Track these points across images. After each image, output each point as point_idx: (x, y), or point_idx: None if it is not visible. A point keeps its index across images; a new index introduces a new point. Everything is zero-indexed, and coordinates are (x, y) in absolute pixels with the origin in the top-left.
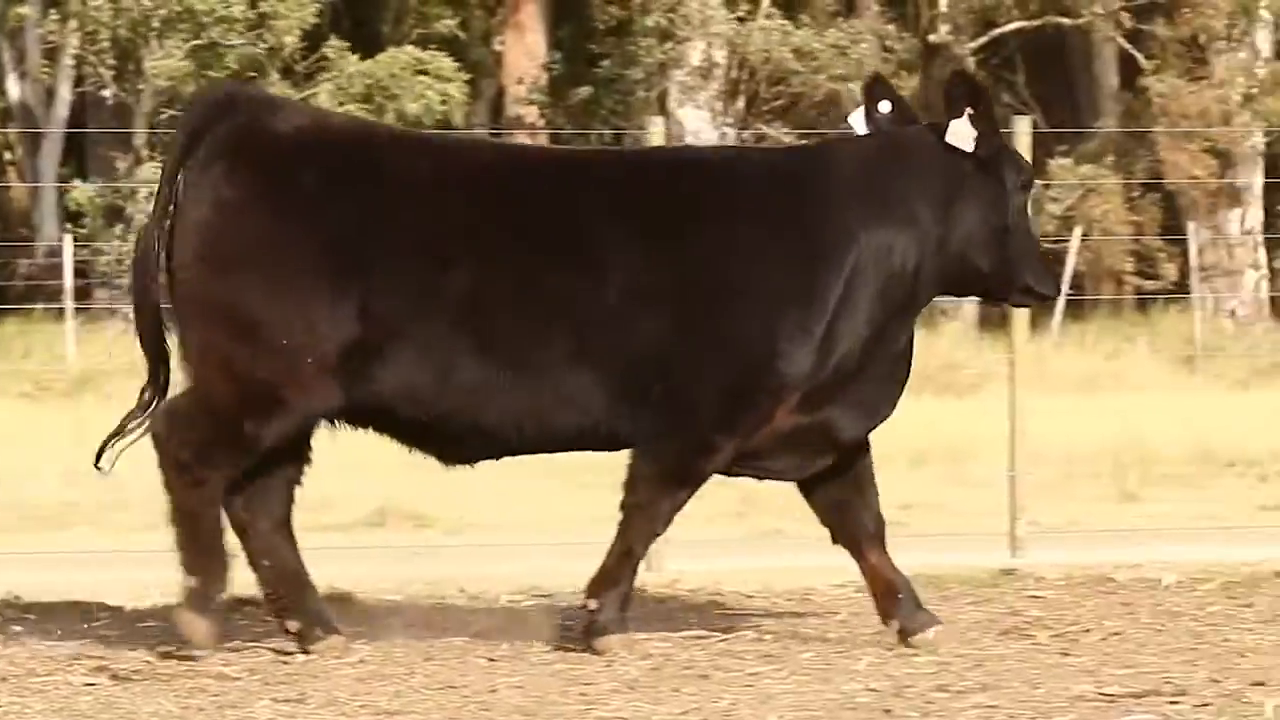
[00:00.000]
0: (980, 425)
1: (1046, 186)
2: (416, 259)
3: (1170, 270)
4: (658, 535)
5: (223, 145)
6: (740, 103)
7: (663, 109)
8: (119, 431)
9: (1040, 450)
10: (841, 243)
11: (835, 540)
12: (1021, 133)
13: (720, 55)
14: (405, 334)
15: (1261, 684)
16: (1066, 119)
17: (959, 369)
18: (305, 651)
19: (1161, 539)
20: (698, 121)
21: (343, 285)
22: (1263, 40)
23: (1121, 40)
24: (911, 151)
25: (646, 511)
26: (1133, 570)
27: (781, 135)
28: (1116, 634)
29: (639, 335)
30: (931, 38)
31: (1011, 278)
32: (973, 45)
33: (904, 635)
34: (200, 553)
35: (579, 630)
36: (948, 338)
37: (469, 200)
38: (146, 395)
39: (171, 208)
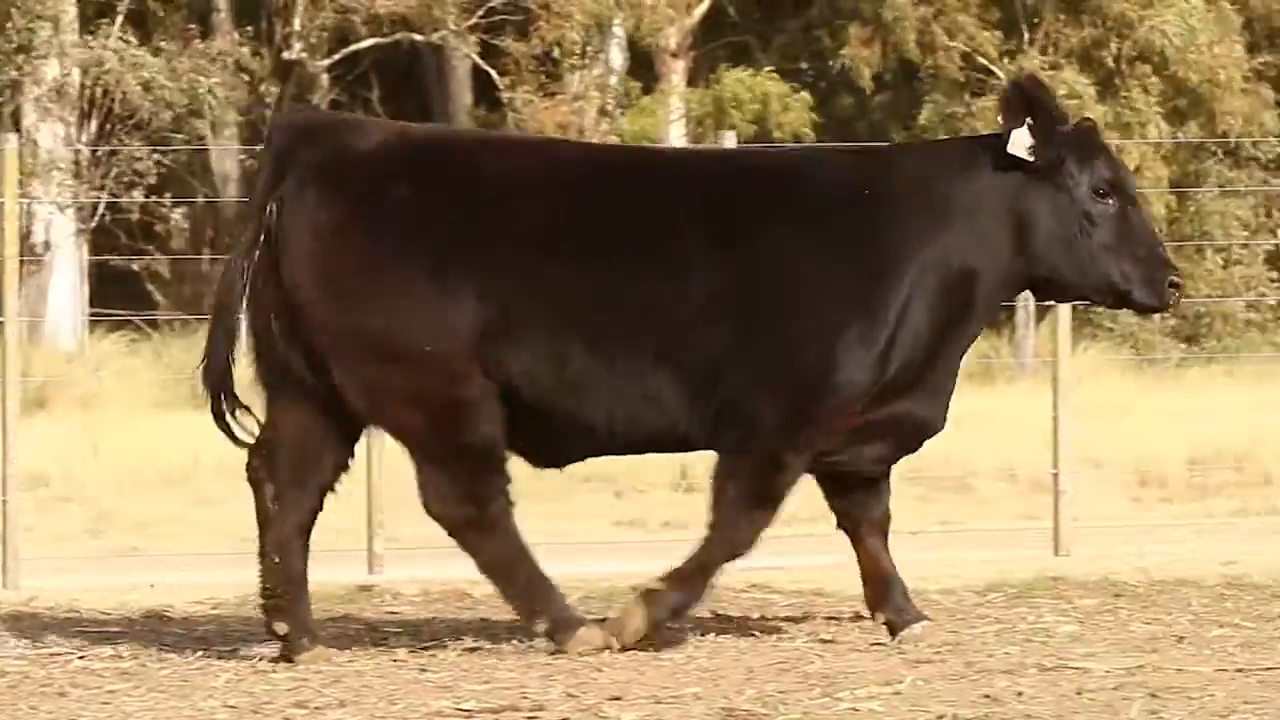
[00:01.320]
0: None
1: None
2: (517, 254)
3: None
4: (739, 557)
5: (313, 171)
6: (94, 122)
7: (17, 125)
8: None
9: (398, 465)
10: (903, 253)
11: (839, 525)
12: None
13: (75, 75)
14: (517, 324)
15: (618, 698)
16: None
17: None
18: (287, 658)
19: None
20: (51, 139)
21: (457, 281)
22: (616, 56)
23: (476, 57)
24: (969, 161)
25: (727, 534)
26: (487, 585)
27: (134, 149)
28: (474, 649)
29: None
30: (286, 55)
31: (1099, 284)
32: (326, 63)
33: (891, 629)
34: (532, 583)
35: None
36: None
37: (566, 197)
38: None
39: (263, 239)
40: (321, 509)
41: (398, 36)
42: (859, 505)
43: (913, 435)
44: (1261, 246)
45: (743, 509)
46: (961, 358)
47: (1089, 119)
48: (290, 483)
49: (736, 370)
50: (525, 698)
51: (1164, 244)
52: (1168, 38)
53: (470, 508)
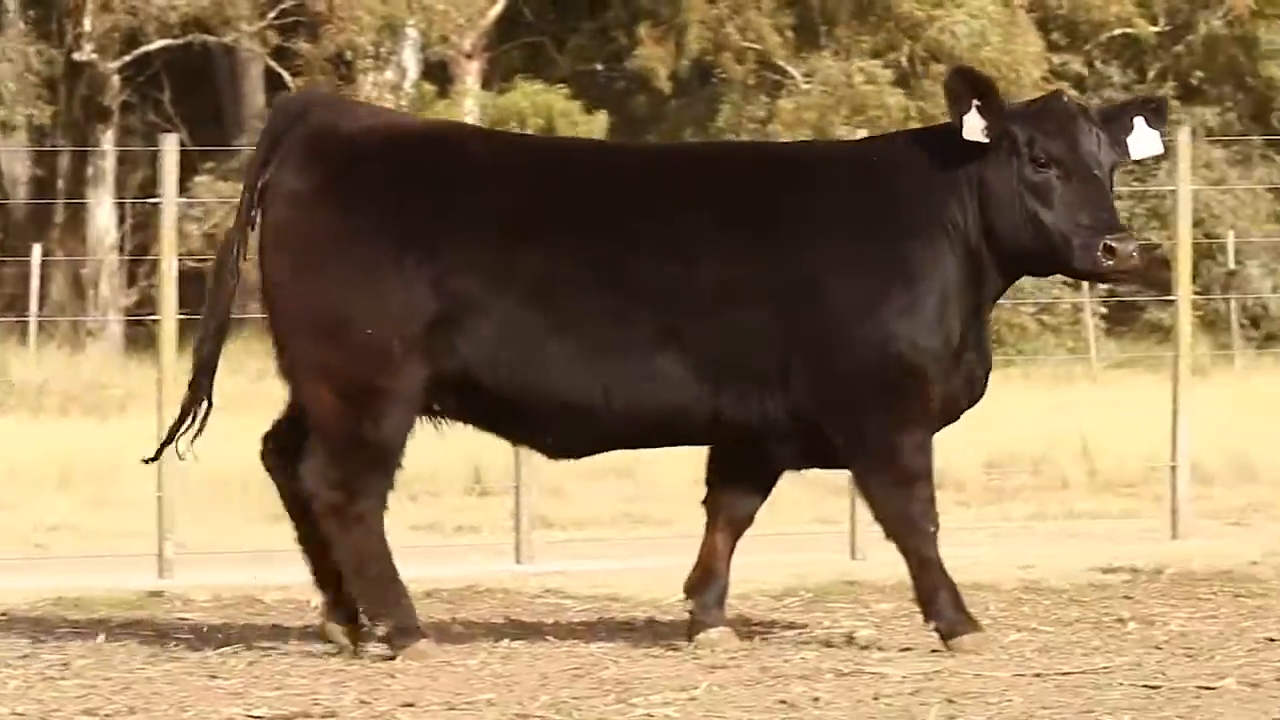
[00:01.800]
0: (126, 446)
1: (191, 205)
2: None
3: None
4: (934, 531)
5: (297, 144)
6: None
7: None
8: (170, 439)
9: (188, 470)
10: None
11: (703, 502)
12: (168, 150)
13: None
14: (480, 312)
15: (412, 705)
16: (214, 137)
17: (105, 389)
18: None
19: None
20: None
21: (415, 269)
22: (410, 60)
23: (268, 58)
24: (929, 149)
25: (905, 527)
26: (282, 591)
27: None
28: (265, 655)
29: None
30: (76, 56)
31: (1044, 252)
32: (117, 64)
33: (691, 627)
34: (383, 585)
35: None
36: (94, 358)
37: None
38: (186, 401)
39: (253, 214)
40: None
41: (190, 38)
42: (731, 496)
43: (953, 415)
44: None
45: (895, 503)
46: (985, 331)
47: (1057, 92)
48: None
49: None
50: (317, 704)
51: (1112, 211)
52: (957, 38)
53: (341, 495)
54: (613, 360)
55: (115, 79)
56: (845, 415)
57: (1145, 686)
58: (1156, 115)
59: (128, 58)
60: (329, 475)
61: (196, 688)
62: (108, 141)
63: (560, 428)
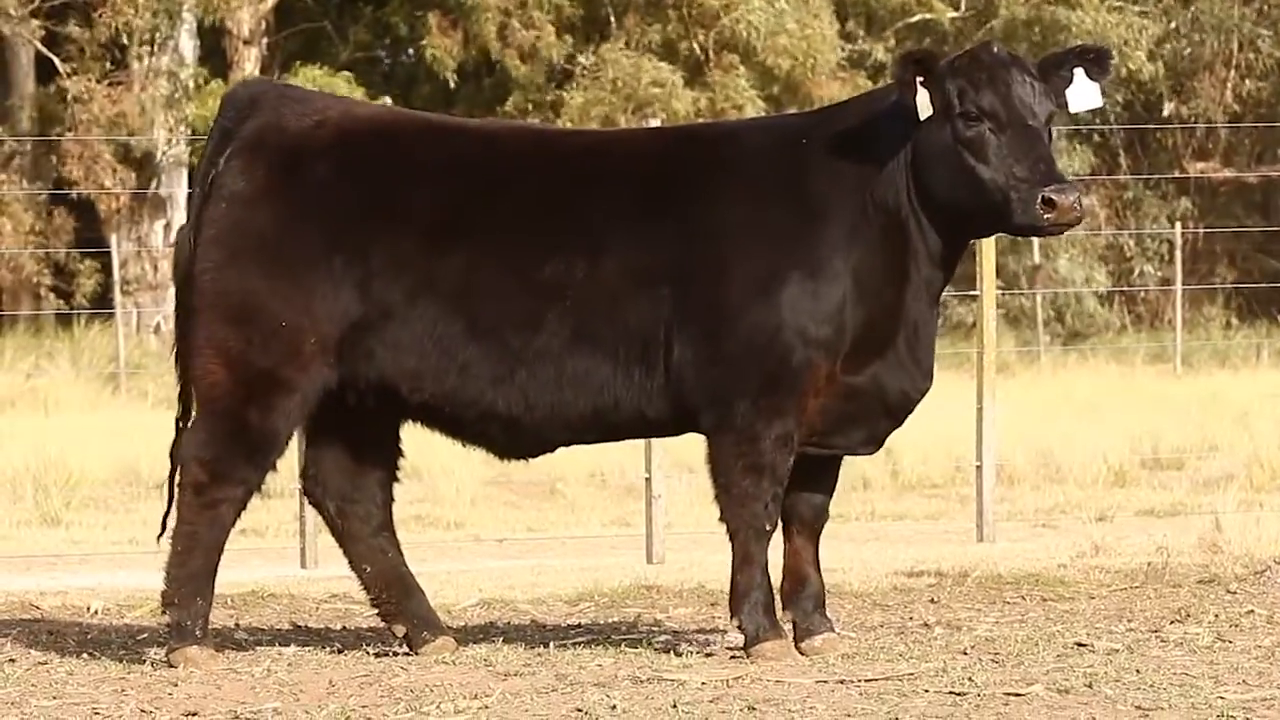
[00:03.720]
0: None
1: None
2: (410, 246)
3: (90, 284)
4: (769, 531)
5: (242, 142)
6: None
7: None
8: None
9: None
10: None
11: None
12: None
13: None
14: (402, 313)
15: (194, 714)
16: None
17: None
18: (415, 653)
19: (88, 564)
20: None
21: (343, 267)
22: (186, 44)
23: (38, 43)
24: (859, 122)
25: (742, 516)
26: (58, 597)
27: None
28: (43, 664)
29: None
30: None
31: (984, 209)
32: None
33: (797, 636)
34: (193, 578)
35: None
36: None
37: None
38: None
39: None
40: (393, 498)
41: None
42: (796, 496)
43: (899, 406)
44: None
45: (740, 487)
46: (932, 315)
47: (987, 42)
48: (349, 494)
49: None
50: (97, 713)
51: (1050, 161)
52: (753, 27)
53: (205, 475)
54: (531, 366)
55: None
56: (716, 397)
57: (951, 693)
58: (1097, 66)
59: None
60: (200, 453)
61: None
62: None
63: (492, 434)
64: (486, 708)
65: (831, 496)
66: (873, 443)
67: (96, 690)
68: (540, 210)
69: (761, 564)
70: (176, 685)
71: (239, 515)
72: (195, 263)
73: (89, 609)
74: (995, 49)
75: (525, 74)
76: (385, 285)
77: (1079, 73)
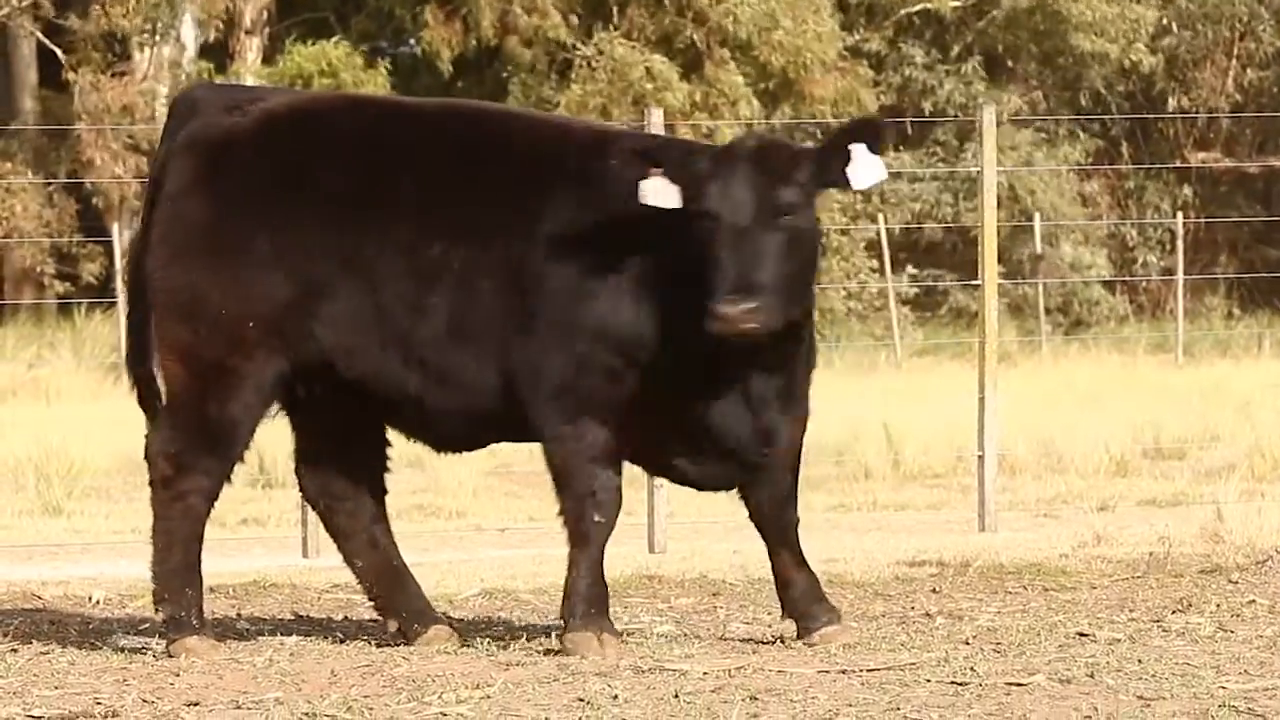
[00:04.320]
0: None
1: None
2: (330, 226)
3: (92, 272)
4: (600, 523)
5: (179, 143)
6: None
7: None
8: None
9: None
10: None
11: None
12: None
13: None
14: (328, 296)
15: (196, 703)
16: None
17: None
18: (411, 646)
19: (90, 554)
20: None
21: (273, 252)
22: (189, 35)
23: (40, 35)
24: None
25: (569, 516)
26: (60, 587)
27: None
28: (45, 653)
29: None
30: None
31: None
32: None
33: (798, 634)
34: (178, 572)
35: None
36: None
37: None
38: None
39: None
40: (385, 490)
41: None
42: (754, 508)
43: (749, 446)
44: (861, 234)
45: (559, 493)
46: (778, 382)
47: (751, 132)
48: (337, 490)
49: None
50: (99, 703)
51: (741, 268)
52: (741, 23)
53: (171, 468)
54: (425, 351)
55: None
56: (536, 396)
57: (953, 683)
58: (876, 139)
59: None
60: (166, 448)
61: None
62: None
63: (414, 421)
64: (489, 697)
65: (790, 499)
66: (723, 481)
67: (98, 680)
68: (434, 189)
69: (586, 566)
70: (178, 675)
71: (210, 506)
72: (147, 265)
73: (91, 599)
74: (752, 141)
75: (526, 60)
76: (308, 262)
77: (858, 150)
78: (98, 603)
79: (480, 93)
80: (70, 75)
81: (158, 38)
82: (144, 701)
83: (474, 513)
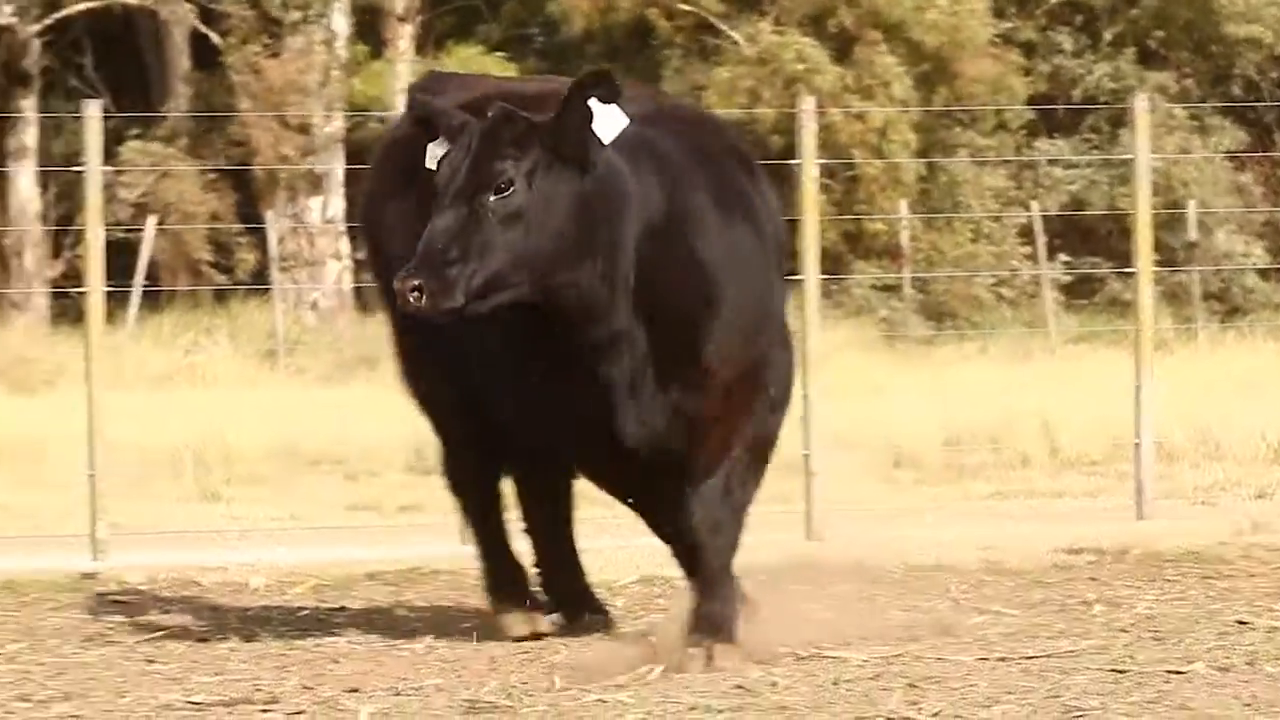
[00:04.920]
0: (55, 423)
1: (119, 172)
2: None
3: (249, 260)
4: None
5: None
6: None
7: None
8: None
9: (120, 449)
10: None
11: None
12: (91, 117)
13: None
14: None
15: (356, 690)
16: (139, 102)
17: (31, 363)
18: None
19: (248, 540)
20: None
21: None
22: (340, 21)
23: (196, 21)
24: None
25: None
26: (218, 573)
27: None
28: (204, 639)
29: None
30: None
31: None
32: (37, 28)
33: None
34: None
35: None
36: (19, 332)
37: None
38: None
39: None
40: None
41: (111, 2)
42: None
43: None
44: (1014, 220)
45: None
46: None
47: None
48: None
49: None
50: (259, 689)
51: (424, 244)
52: (896, 3)
53: None
54: None
55: (35, 43)
56: None
57: (1112, 670)
58: (603, 90)
59: (48, 21)
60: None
61: (134, 673)
62: (29, 108)
63: None
64: (648, 684)
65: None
66: (632, 496)
67: (258, 666)
68: None
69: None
70: (337, 662)
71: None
72: None
73: (249, 585)
74: (491, 112)
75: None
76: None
77: (595, 105)
78: (256, 589)
79: (631, 77)
80: (231, 57)
81: (309, 20)
82: (304, 688)
83: None
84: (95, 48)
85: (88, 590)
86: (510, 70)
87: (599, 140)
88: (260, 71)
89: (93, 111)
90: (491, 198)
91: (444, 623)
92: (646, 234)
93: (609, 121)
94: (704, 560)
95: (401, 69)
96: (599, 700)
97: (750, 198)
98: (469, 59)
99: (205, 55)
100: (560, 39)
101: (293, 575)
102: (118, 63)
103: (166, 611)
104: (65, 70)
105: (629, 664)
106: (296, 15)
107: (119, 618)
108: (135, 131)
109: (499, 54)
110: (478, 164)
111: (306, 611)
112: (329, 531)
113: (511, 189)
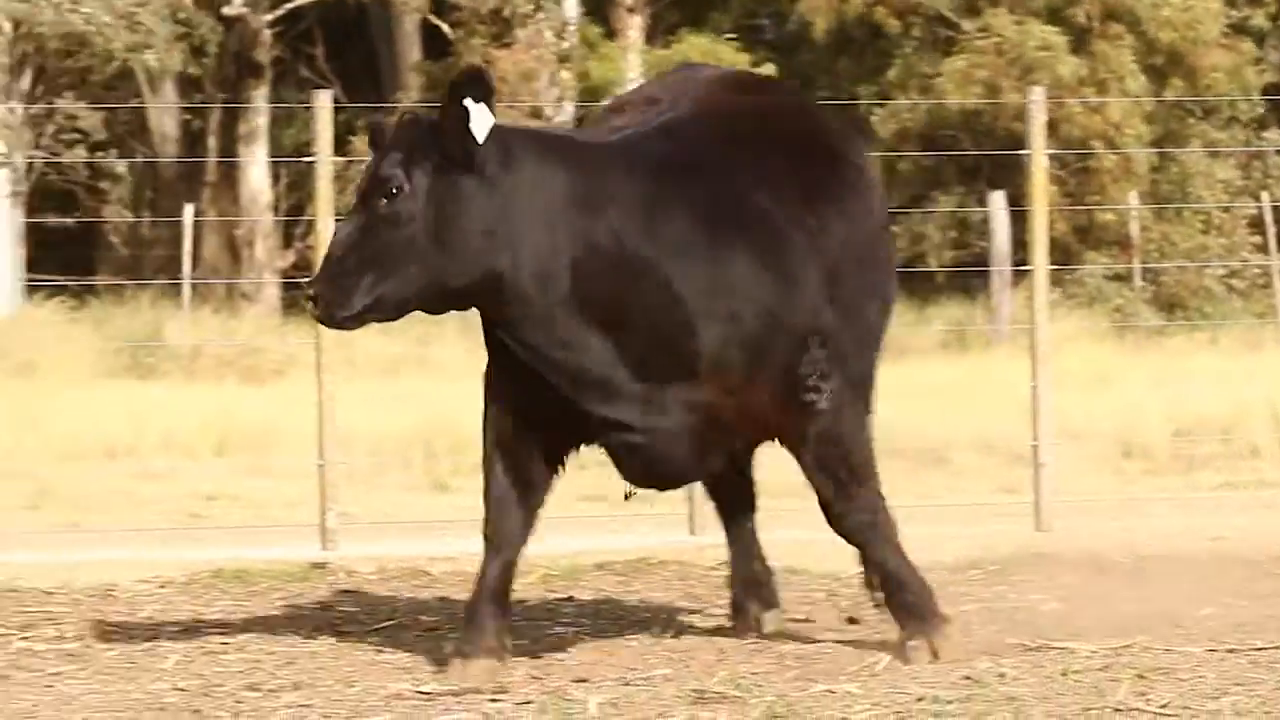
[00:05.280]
0: (285, 413)
1: (350, 163)
2: None
3: None
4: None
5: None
6: (26, 78)
7: None
8: None
9: (349, 438)
10: None
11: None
12: (322, 107)
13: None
14: None
15: (584, 680)
16: (369, 93)
17: (262, 354)
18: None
19: (476, 530)
20: None
21: None
22: (570, 11)
23: (426, 12)
24: None
25: None
26: (448, 563)
27: (76, 108)
28: (433, 629)
29: None
30: (226, 10)
31: None
32: (269, 17)
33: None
34: None
35: None
36: (249, 322)
37: None
38: None
39: None
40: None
41: None
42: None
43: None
44: (1244, 210)
45: None
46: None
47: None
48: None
49: None
50: (489, 680)
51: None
52: None
53: None
54: None
55: (267, 34)
56: None
57: None
58: (480, 88)
59: (279, 11)
60: None
61: (363, 663)
62: (260, 98)
63: None
64: (875, 675)
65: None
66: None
67: None
68: None
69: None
70: (565, 652)
71: None
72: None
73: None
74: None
75: (898, 33)
76: None
77: (470, 105)
78: None
79: (860, 70)
80: (462, 48)
81: (538, 12)
82: (533, 678)
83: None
84: (327, 38)
85: (317, 580)
86: (742, 60)
87: (475, 139)
88: (491, 62)
89: (323, 101)
90: (383, 202)
91: (672, 613)
92: (586, 243)
93: (482, 121)
94: (871, 559)
95: (632, 58)
96: (827, 691)
97: (769, 216)
98: (698, 47)
99: (436, 45)
100: (790, 30)
101: (521, 565)
102: (348, 53)
103: (396, 601)
104: (296, 60)
105: (856, 656)
106: (528, 6)
107: (348, 607)
108: (364, 123)
109: (730, 42)
110: (374, 170)
111: (534, 601)
112: (557, 521)
113: (400, 193)
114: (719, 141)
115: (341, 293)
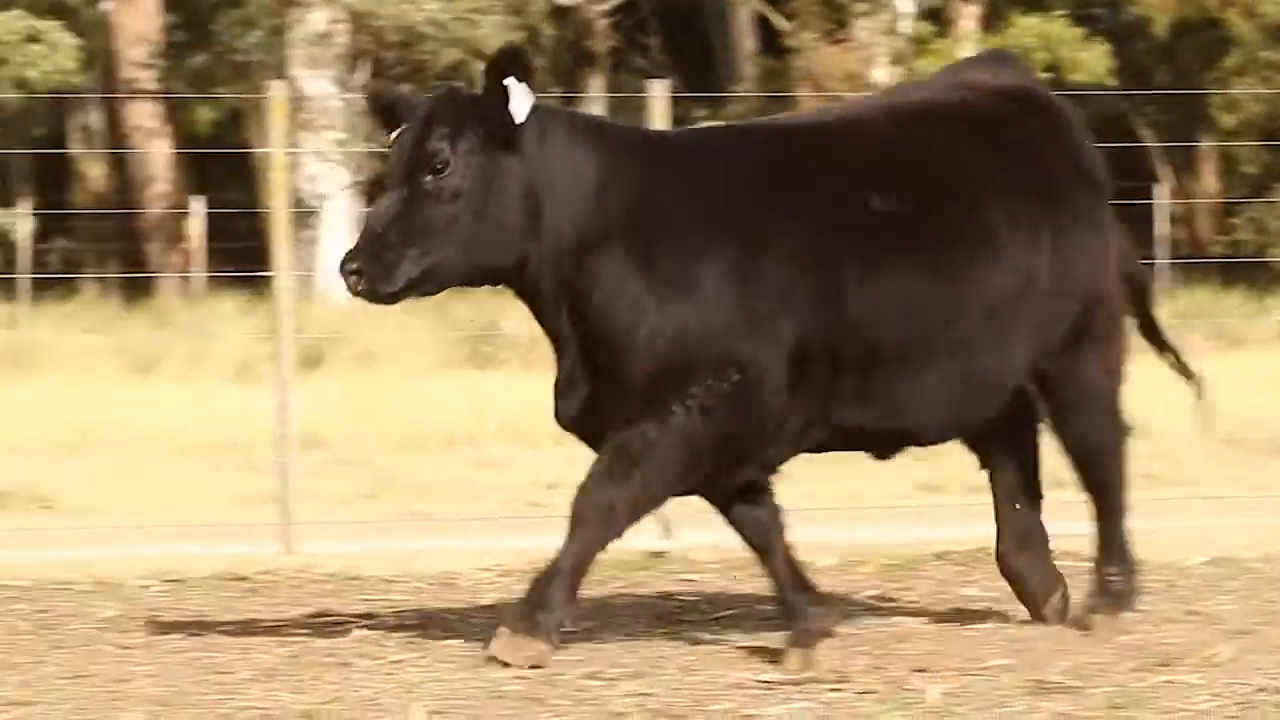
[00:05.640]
0: None
1: None
2: None
3: None
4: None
5: None
6: (364, 70)
7: (281, 75)
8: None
9: None
10: None
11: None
12: (657, 96)
13: (343, 22)
14: None
15: (924, 670)
16: (704, 83)
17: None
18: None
19: (814, 520)
20: (320, 87)
21: None
22: (905, 2)
23: (759, 3)
24: None
25: None
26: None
27: None
28: (772, 618)
29: None
30: (561, 1)
31: None
32: (605, 7)
33: None
34: None
35: None
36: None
37: None
38: None
39: None
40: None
41: None
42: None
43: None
44: None
45: None
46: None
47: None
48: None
49: None
50: (829, 669)
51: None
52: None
53: None
54: None
55: (603, 24)
56: None
57: None
58: (515, 67)
59: (615, 2)
60: None
61: (703, 651)
62: (596, 87)
63: None
64: (1216, 665)
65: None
66: None
67: (825, 645)
68: None
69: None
70: (905, 642)
71: None
72: None
73: (816, 564)
74: (448, 91)
75: (1246, 31)
76: None
77: (510, 83)
78: (823, 568)
79: (1196, 59)
80: (794, 40)
81: (872, 5)
82: (872, 668)
83: (1204, 480)
84: (662, 28)
85: (657, 569)
86: (1074, 37)
87: (514, 118)
88: (820, 58)
89: (659, 91)
90: (428, 177)
91: (1011, 603)
92: (578, 230)
93: (522, 100)
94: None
95: (965, 49)
96: (1167, 682)
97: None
98: (1030, 30)
99: (770, 37)
100: (1126, 18)
101: (861, 555)
102: (684, 44)
103: (735, 591)
104: (631, 51)
105: (1196, 646)
106: (864, 6)
107: (688, 596)
108: (702, 112)
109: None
110: (417, 144)
111: (874, 591)
112: (895, 511)
113: (448, 168)
114: (789, 152)
115: (386, 267)
